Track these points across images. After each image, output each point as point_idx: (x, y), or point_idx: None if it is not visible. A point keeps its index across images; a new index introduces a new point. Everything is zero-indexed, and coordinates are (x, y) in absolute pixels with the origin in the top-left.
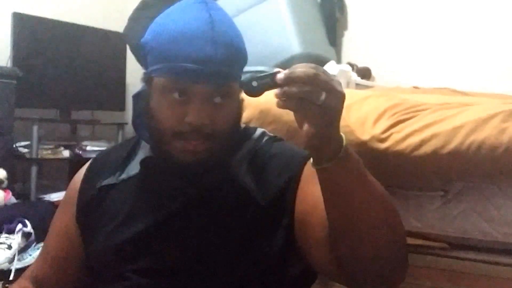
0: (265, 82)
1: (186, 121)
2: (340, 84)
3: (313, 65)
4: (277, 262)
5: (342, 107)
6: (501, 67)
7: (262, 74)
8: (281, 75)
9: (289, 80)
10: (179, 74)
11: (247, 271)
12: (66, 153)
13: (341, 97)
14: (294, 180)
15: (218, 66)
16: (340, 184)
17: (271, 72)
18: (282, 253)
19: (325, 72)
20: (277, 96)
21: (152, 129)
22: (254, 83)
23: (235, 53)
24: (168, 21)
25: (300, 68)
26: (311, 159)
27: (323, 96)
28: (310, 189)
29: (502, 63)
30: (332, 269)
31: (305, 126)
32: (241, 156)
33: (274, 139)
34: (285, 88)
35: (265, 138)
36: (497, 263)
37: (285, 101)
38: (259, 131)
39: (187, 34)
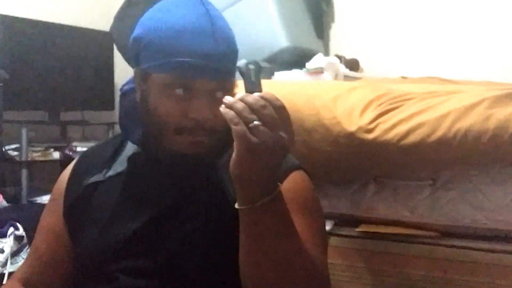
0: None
1: (190, 116)
2: (290, 133)
3: (280, 104)
4: None
5: (279, 154)
6: (489, 55)
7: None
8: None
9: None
10: (183, 70)
11: (233, 270)
12: (56, 155)
13: (281, 140)
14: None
15: (220, 61)
16: (260, 230)
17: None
18: None
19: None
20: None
21: (152, 125)
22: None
23: (233, 48)
24: (165, 15)
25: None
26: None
27: (260, 128)
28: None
29: (490, 51)
30: None
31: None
32: (228, 157)
33: None
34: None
35: None
36: (487, 250)
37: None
38: None
39: (189, 29)
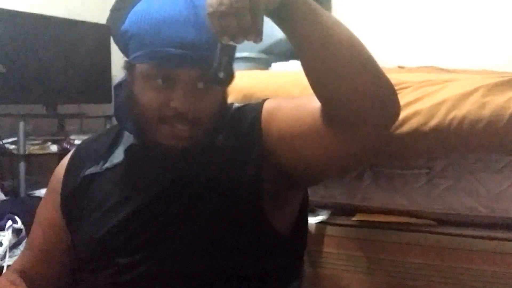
0: (224, 64)
1: (171, 106)
2: None
3: None
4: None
5: None
6: (485, 44)
7: (215, 63)
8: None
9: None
10: (163, 60)
11: (234, 252)
12: (54, 148)
13: None
14: (256, 121)
15: (202, 51)
16: (297, 25)
17: (217, 52)
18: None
19: None
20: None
21: (137, 117)
22: (221, 74)
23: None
24: (149, 7)
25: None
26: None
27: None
28: (275, 117)
29: (487, 40)
30: (329, 138)
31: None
32: (221, 142)
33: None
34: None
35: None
36: (483, 237)
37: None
38: (234, 106)
39: (170, 19)
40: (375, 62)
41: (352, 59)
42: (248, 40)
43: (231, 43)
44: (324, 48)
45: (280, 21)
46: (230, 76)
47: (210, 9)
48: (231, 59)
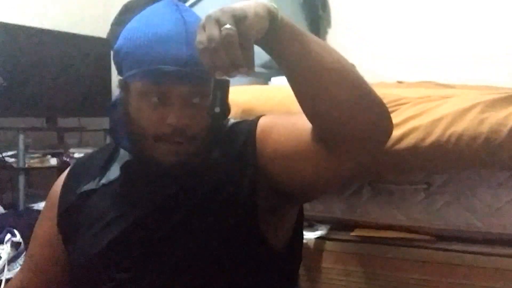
0: (219, 98)
1: (167, 123)
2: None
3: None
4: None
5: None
6: (485, 59)
7: (210, 99)
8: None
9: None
10: (157, 77)
11: (229, 268)
12: (53, 161)
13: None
14: (251, 138)
15: (195, 66)
16: (285, 50)
17: (211, 87)
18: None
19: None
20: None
21: (133, 135)
22: (217, 109)
23: None
24: (141, 25)
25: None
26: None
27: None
28: (269, 135)
29: (486, 55)
30: (322, 158)
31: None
32: (218, 156)
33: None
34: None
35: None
36: (481, 253)
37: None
38: (230, 121)
39: (162, 37)
40: (365, 83)
41: (341, 83)
42: (240, 73)
43: (224, 77)
44: (312, 73)
45: (267, 48)
46: (226, 111)
47: (201, 46)
48: (225, 93)
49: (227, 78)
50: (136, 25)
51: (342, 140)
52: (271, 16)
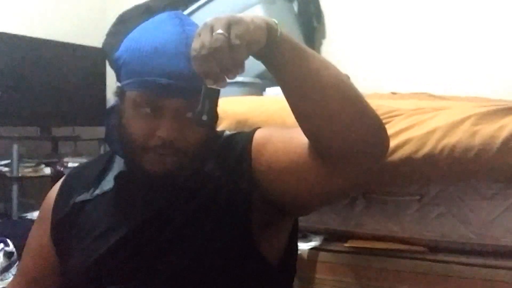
0: (208, 107)
1: (157, 135)
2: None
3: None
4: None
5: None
6: (479, 70)
7: (199, 106)
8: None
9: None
10: (151, 89)
11: (222, 280)
12: (47, 171)
13: (221, 22)
14: (246, 151)
15: (191, 81)
16: (283, 65)
17: (201, 95)
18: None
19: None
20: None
21: (125, 143)
22: (204, 117)
23: None
24: (142, 35)
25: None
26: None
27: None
28: (265, 148)
29: (480, 66)
30: (318, 173)
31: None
32: (213, 163)
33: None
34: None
35: (226, 134)
36: (474, 265)
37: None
38: (225, 134)
39: (160, 49)
40: (362, 98)
41: (339, 98)
42: (230, 79)
43: (215, 86)
44: (309, 89)
45: (265, 62)
46: (213, 119)
47: (194, 53)
48: (214, 102)
49: (218, 88)
50: (137, 35)
51: (338, 156)
52: (270, 29)
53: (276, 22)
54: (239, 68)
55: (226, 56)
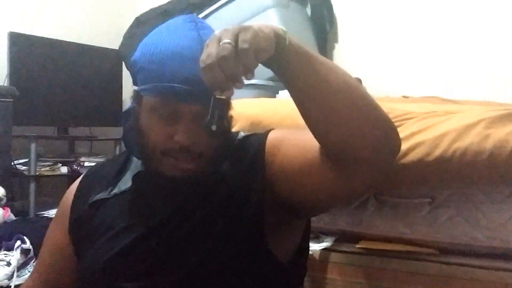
0: (217, 117)
1: (174, 140)
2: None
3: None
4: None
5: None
6: (490, 75)
7: (208, 117)
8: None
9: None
10: (167, 94)
11: (234, 280)
12: (64, 170)
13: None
14: (259, 153)
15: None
16: (292, 72)
17: (210, 105)
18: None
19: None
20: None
21: (141, 146)
22: (213, 127)
23: None
24: (158, 40)
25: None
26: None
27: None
28: (278, 150)
29: (491, 70)
30: (330, 176)
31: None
32: (228, 163)
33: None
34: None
35: (241, 135)
36: (485, 268)
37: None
38: (240, 135)
39: (177, 54)
40: (373, 102)
41: (348, 103)
42: (237, 88)
43: (223, 96)
44: (319, 95)
45: (275, 69)
46: (222, 129)
47: (202, 64)
48: (223, 112)
49: (226, 98)
50: (153, 39)
51: (351, 160)
52: (278, 37)
53: (285, 30)
54: (247, 74)
55: (232, 65)
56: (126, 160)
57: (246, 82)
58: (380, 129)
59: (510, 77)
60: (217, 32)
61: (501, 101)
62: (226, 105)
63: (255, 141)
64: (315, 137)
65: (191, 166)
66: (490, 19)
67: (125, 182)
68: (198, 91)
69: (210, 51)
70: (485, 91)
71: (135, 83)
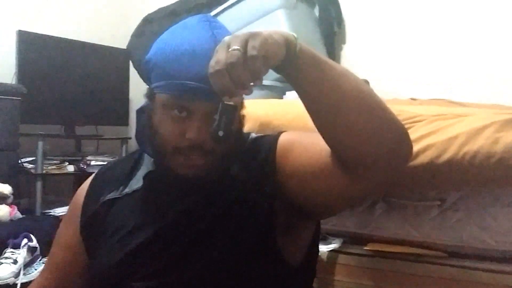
0: (224, 123)
1: (186, 137)
2: (233, 38)
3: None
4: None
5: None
6: (498, 78)
7: (215, 123)
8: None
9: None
10: (180, 92)
11: (244, 281)
12: (70, 168)
13: (238, 39)
14: (270, 156)
15: None
16: (303, 78)
17: (218, 111)
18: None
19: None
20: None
21: (154, 144)
22: (220, 133)
23: None
24: (172, 38)
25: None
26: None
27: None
28: (290, 153)
29: (499, 74)
30: (342, 180)
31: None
32: (239, 165)
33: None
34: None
35: (252, 137)
36: (494, 271)
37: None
38: (251, 136)
39: (190, 52)
40: (384, 107)
41: (360, 109)
42: (246, 94)
43: (231, 102)
44: (331, 101)
45: (286, 76)
46: (229, 135)
47: (211, 70)
48: (231, 118)
49: (234, 104)
50: (167, 38)
51: (361, 164)
52: (288, 43)
53: (295, 36)
54: (256, 81)
55: (240, 72)
56: (137, 159)
57: (249, 95)
58: (393, 134)
59: (510, 77)
60: (226, 38)
61: (501, 101)
62: (234, 111)
63: (266, 143)
64: (326, 143)
65: (202, 162)
66: (499, 22)
67: (137, 182)
68: (211, 89)
69: (219, 57)
70: (494, 94)
71: (148, 81)
